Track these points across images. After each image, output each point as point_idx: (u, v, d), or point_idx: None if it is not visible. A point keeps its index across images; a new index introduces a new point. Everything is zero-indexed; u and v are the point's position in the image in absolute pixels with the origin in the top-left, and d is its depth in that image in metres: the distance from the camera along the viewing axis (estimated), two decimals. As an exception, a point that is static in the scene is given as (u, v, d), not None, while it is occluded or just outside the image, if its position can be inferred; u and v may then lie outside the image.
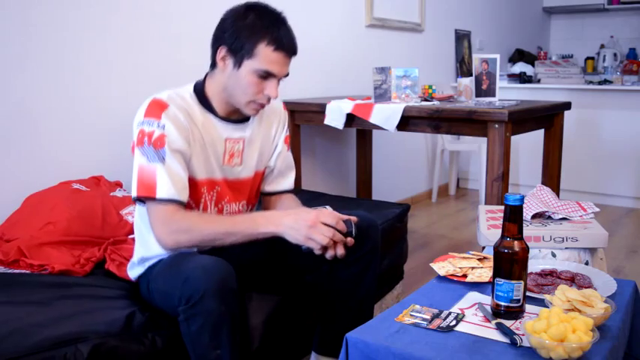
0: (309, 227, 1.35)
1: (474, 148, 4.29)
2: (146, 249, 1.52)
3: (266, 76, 1.44)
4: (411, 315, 1.24)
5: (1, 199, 1.95)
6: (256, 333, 1.62)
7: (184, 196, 1.41)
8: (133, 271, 1.59)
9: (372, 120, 2.71)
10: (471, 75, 2.90)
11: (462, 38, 4.77)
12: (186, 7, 2.56)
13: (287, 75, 1.50)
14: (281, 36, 1.43)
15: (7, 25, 1.97)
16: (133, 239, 1.92)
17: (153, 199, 1.37)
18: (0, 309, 1.39)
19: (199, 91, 1.51)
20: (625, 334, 1.31)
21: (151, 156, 1.37)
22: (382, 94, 2.81)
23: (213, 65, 1.50)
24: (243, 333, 1.51)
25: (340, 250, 1.40)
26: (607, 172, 4.23)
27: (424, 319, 1.22)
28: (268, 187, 1.70)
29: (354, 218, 1.44)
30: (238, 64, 1.43)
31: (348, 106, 2.78)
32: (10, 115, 2.00)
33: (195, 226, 1.38)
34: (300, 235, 1.37)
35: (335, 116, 2.79)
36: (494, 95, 2.85)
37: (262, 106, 1.50)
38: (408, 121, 2.67)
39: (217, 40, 1.47)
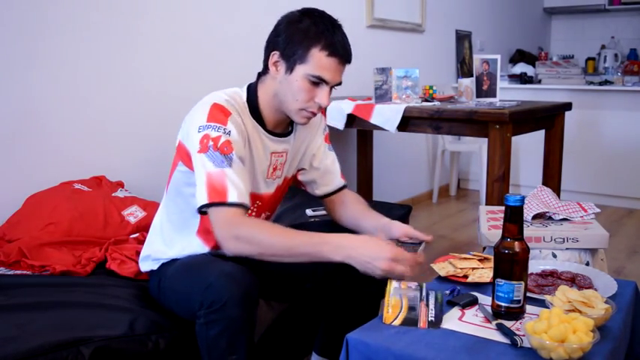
0: (384, 270, 1.28)
1: (475, 148, 4.29)
2: (168, 247, 1.51)
3: (318, 82, 1.40)
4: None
5: (2, 199, 1.96)
6: (258, 335, 1.63)
7: (249, 203, 1.37)
8: (145, 264, 1.58)
9: (373, 120, 2.71)
10: (472, 75, 2.90)
11: (462, 39, 4.77)
12: (187, 8, 2.56)
13: (340, 84, 1.46)
14: (336, 42, 1.39)
15: (10, 25, 1.98)
16: (135, 239, 1.93)
17: (223, 203, 1.32)
18: (1, 311, 1.39)
19: (252, 100, 1.47)
20: (626, 335, 1.31)
21: (218, 161, 1.33)
22: (383, 95, 2.81)
23: (265, 70, 1.46)
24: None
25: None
26: (608, 173, 4.23)
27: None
28: (321, 190, 1.67)
29: (428, 238, 1.40)
30: (290, 69, 1.40)
31: (348, 107, 2.78)
32: (11, 115, 2.00)
33: (258, 237, 1.32)
34: (372, 271, 1.30)
35: (335, 117, 2.79)
36: (494, 96, 2.85)
37: (313, 114, 1.46)
38: (408, 122, 2.67)
39: (270, 45, 1.44)
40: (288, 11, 1.45)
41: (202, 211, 1.36)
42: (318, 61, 1.38)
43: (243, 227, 1.32)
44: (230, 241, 1.32)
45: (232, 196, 1.32)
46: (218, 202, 1.32)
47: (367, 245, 1.30)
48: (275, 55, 1.42)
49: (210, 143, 1.34)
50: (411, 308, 1.24)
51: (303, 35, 1.38)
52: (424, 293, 1.29)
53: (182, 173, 1.46)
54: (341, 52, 1.41)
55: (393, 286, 1.30)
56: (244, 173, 1.37)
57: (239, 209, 1.33)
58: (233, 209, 1.32)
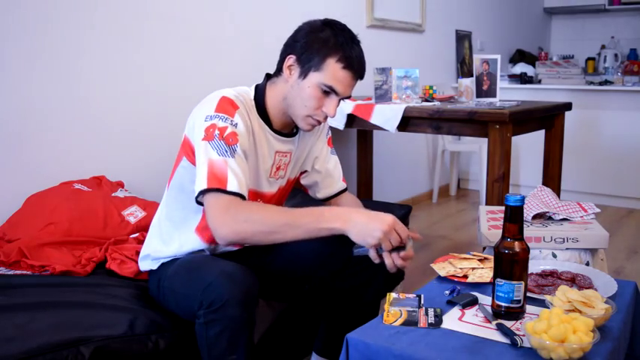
0: (384, 232, 1.29)
1: (475, 148, 4.29)
2: (166, 244, 1.52)
3: (329, 92, 1.43)
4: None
5: (2, 199, 1.96)
6: (258, 335, 1.63)
7: (247, 195, 1.37)
8: (144, 264, 1.58)
9: (373, 120, 2.71)
10: (472, 75, 2.90)
11: (462, 39, 4.77)
12: (188, 8, 2.56)
13: (349, 97, 1.49)
14: (353, 56, 1.42)
15: (10, 25, 1.97)
16: (135, 239, 1.93)
17: (222, 190, 1.32)
18: (1, 311, 1.38)
19: (260, 99, 1.49)
20: (626, 335, 1.31)
21: (222, 150, 1.34)
22: (383, 95, 2.81)
23: (278, 72, 1.48)
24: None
25: (395, 262, 1.35)
26: (608, 173, 4.23)
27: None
28: (322, 193, 1.69)
29: (417, 236, 1.41)
30: (304, 74, 1.42)
31: (348, 107, 2.78)
32: (11, 115, 2.00)
33: (256, 216, 1.31)
34: (370, 238, 1.30)
35: (335, 117, 2.78)
36: (494, 96, 2.85)
37: (319, 122, 1.48)
38: (408, 122, 2.67)
39: (288, 48, 1.46)
40: (310, 19, 1.48)
41: (199, 201, 1.36)
42: (332, 72, 1.40)
43: (241, 208, 1.32)
44: (226, 226, 1.31)
45: (232, 185, 1.32)
46: (217, 188, 1.31)
47: (367, 213, 1.34)
48: (291, 59, 1.43)
49: (217, 132, 1.35)
50: (411, 315, 1.24)
51: (321, 44, 1.40)
52: (422, 302, 1.30)
53: (185, 169, 1.47)
54: (356, 67, 1.44)
55: (392, 297, 1.32)
56: (245, 167, 1.38)
57: (237, 197, 1.33)
58: (230, 197, 1.32)
